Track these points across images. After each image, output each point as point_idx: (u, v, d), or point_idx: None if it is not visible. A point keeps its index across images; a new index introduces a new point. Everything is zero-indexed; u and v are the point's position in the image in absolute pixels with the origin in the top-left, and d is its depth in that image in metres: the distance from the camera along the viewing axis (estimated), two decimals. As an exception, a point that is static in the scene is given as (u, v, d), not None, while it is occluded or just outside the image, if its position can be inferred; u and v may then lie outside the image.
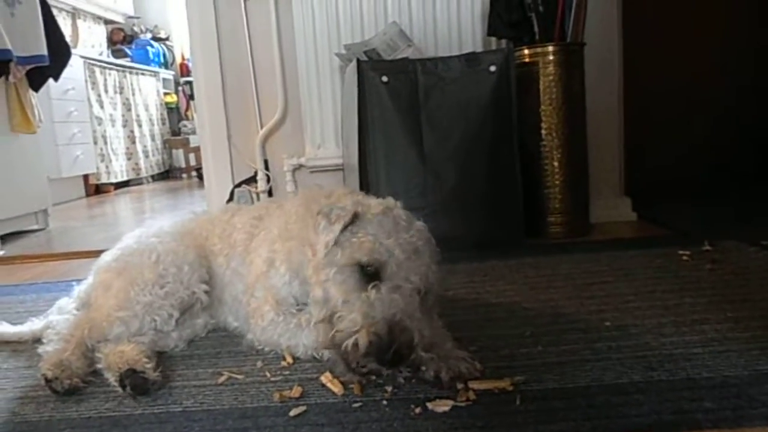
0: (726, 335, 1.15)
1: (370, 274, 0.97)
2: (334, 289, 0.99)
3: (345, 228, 1.00)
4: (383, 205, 1.06)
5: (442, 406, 0.94)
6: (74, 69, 4.50)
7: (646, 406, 0.91)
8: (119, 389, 1.04)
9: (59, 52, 3.07)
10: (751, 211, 2.40)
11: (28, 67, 2.94)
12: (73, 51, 3.70)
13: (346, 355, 0.92)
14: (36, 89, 3.12)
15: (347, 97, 2.16)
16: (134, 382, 1.02)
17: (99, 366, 1.10)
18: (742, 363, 1.02)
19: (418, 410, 0.93)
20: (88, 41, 5.91)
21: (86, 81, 4.90)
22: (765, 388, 0.94)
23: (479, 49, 2.25)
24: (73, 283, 1.61)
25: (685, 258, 1.72)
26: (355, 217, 1.01)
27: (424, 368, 1.03)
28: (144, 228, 1.36)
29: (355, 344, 0.91)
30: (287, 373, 1.10)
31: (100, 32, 6.26)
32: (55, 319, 1.23)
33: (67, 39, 3.40)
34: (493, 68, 1.98)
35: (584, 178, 2.20)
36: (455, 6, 2.31)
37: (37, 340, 1.23)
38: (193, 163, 6.18)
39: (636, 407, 0.91)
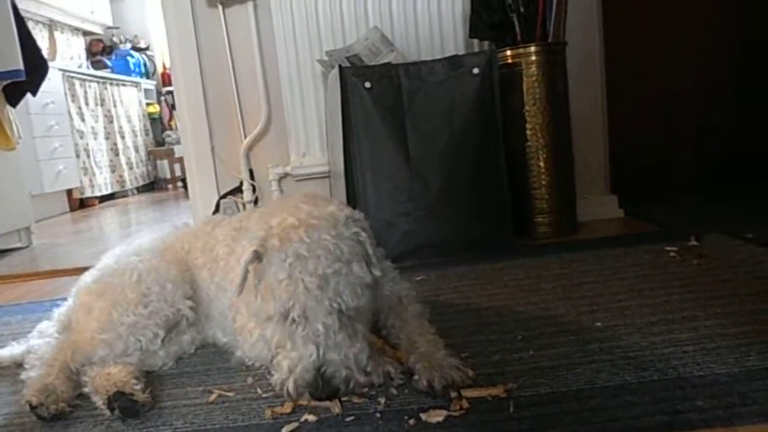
0: (715, 332, 1.15)
1: (286, 319, 0.99)
2: (266, 335, 1.07)
3: (247, 267, 1.02)
4: (289, 228, 1.01)
5: (436, 417, 0.93)
6: (53, 82, 4.44)
7: (638, 407, 0.91)
8: (107, 412, 1.02)
9: (35, 65, 3.02)
10: (736, 204, 2.42)
11: (5, 83, 2.90)
12: (51, 64, 3.66)
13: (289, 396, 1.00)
14: (14, 105, 3.08)
15: (331, 103, 2.14)
16: (123, 405, 1.00)
17: (85, 389, 1.08)
18: (732, 360, 1.03)
19: (411, 422, 0.93)
20: (67, 53, 5.85)
21: (66, 94, 4.84)
22: (756, 384, 0.94)
23: (461, 52, 2.25)
24: (59, 302, 1.58)
25: (672, 254, 1.73)
26: (257, 257, 1.02)
27: (416, 377, 1.02)
28: (123, 246, 1.34)
29: (288, 390, 0.99)
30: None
31: (79, 44, 6.20)
32: (36, 343, 1.20)
33: (45, 52, 3.36)
34: (476, 70, 1.98)
35: (570, 177, 2.21)
36: (436, 9, 2.31)
37: (19, 365, 1.21)
38: (178, 173, 6.14)
39: (629, 409, 0.91)
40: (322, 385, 0.95)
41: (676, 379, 0.98)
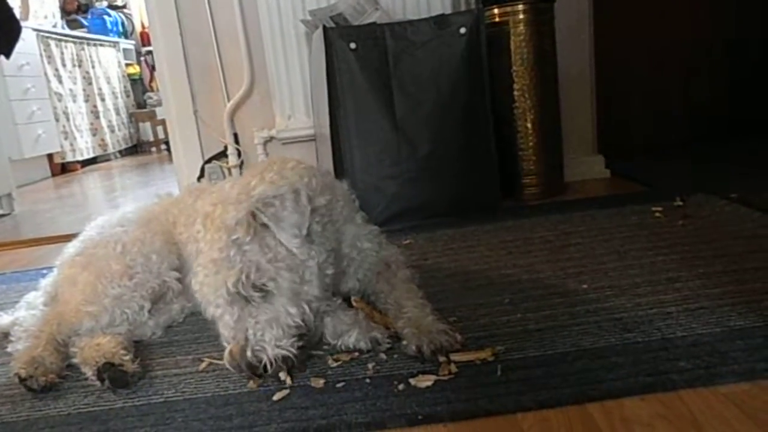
0: (698, 292, 1.17)
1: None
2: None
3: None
4: (240, 198, 1.00)
5: (425, 381, 0.94)
6: (27, 43, 4.30)
7: (623, 369, 0.93)
8: (98, 383, 1.02)
9: (8, 27, 2.89)
10: (722, 164, 2.43)
11: (-24, 45, 2.78)
12: (24, 24, 3.51)
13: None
14: (-13, 68, 2.97)
15: (315, 65, 2.09)
16: (112, 375, 1.00)
17: (74, 360, 1.08)
18: (714, 320, 1.05)
19: (401, 387, 0.94)
20: (40, 12, 5.62)
21: (41, 55, 4.68)
22: (737, 344, 0.96)
23: (448, 11, 2.19)
24: (44, 271, 1.57)
25: (657, 214, 1.74)
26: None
27: (405, 342, 1.04)
28: (106, 216, 1.31)
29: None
30: (268, 355, 1.09)
31: (52, 2, 5.95)
32: (22, 315, 1.19)
33: (17, 11, 3.22)
34: (463, 30, 1.93)
35: (558, 137, 2.20)
36: (422, -35, 2.23)
37: (5, 336, 1.20)
38: (161, 136, 6.03)
39: (614, 371, 0.92)
40: (243, 365, 0.95)
41: (660, 340, 1.00)
